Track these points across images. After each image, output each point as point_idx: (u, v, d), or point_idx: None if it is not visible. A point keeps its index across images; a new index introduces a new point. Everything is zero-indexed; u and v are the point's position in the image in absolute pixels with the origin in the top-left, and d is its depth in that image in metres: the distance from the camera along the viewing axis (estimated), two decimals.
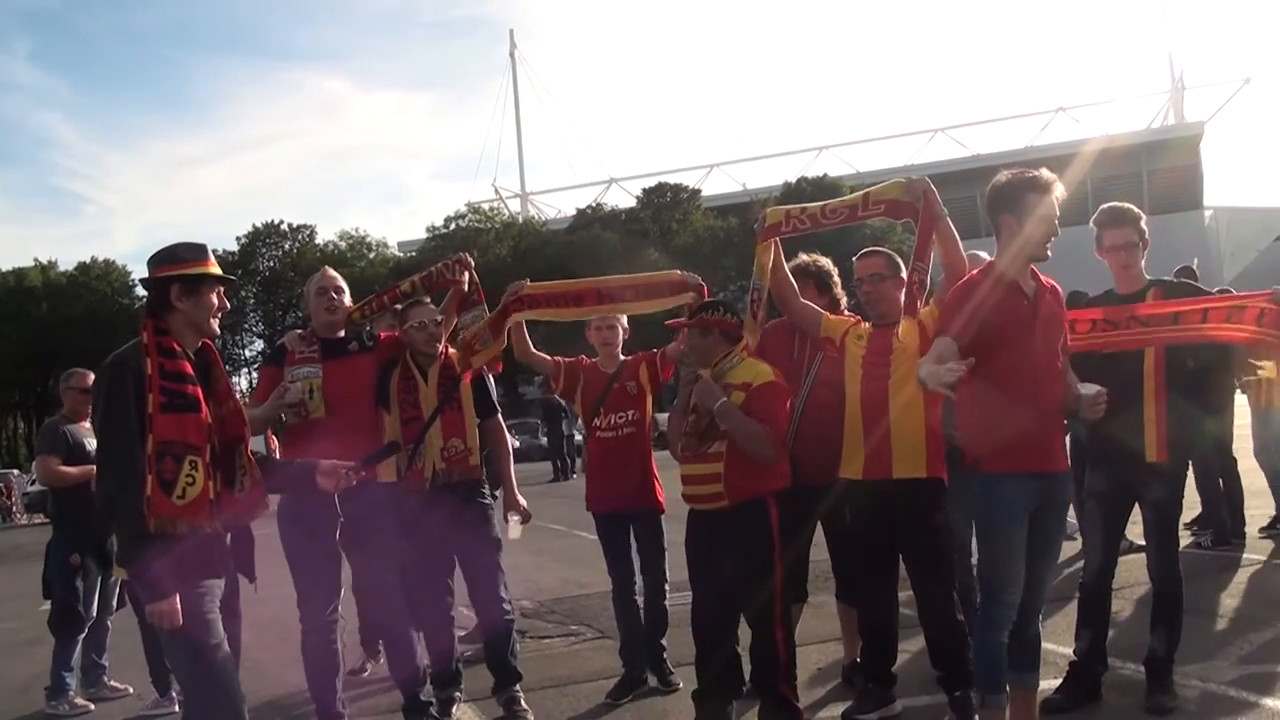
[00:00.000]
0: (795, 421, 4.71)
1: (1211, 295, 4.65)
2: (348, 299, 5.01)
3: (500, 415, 5.34)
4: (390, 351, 5.03)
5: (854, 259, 4.60)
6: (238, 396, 3.69)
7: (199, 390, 3.34)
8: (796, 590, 5.06)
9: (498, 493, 5.35)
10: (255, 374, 60.68)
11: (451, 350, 5.09)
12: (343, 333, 4.96)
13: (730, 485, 4.26)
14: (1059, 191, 3.76)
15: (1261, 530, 8.00)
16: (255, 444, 3.82)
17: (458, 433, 4.98)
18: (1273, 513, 8.06)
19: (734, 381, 4.29)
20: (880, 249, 4.68)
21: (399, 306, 5.14)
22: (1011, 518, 3.78)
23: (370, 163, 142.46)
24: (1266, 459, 8.09)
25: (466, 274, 5.17)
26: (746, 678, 4.55)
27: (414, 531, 4.89)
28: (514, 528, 5.12)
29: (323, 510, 4.53)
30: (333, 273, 5.09)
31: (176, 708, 5.70)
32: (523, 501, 5.18)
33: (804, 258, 4.98)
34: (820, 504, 4.67)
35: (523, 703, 4.99)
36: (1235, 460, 7.97)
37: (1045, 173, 3.82)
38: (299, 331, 5.04)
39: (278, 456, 6.11)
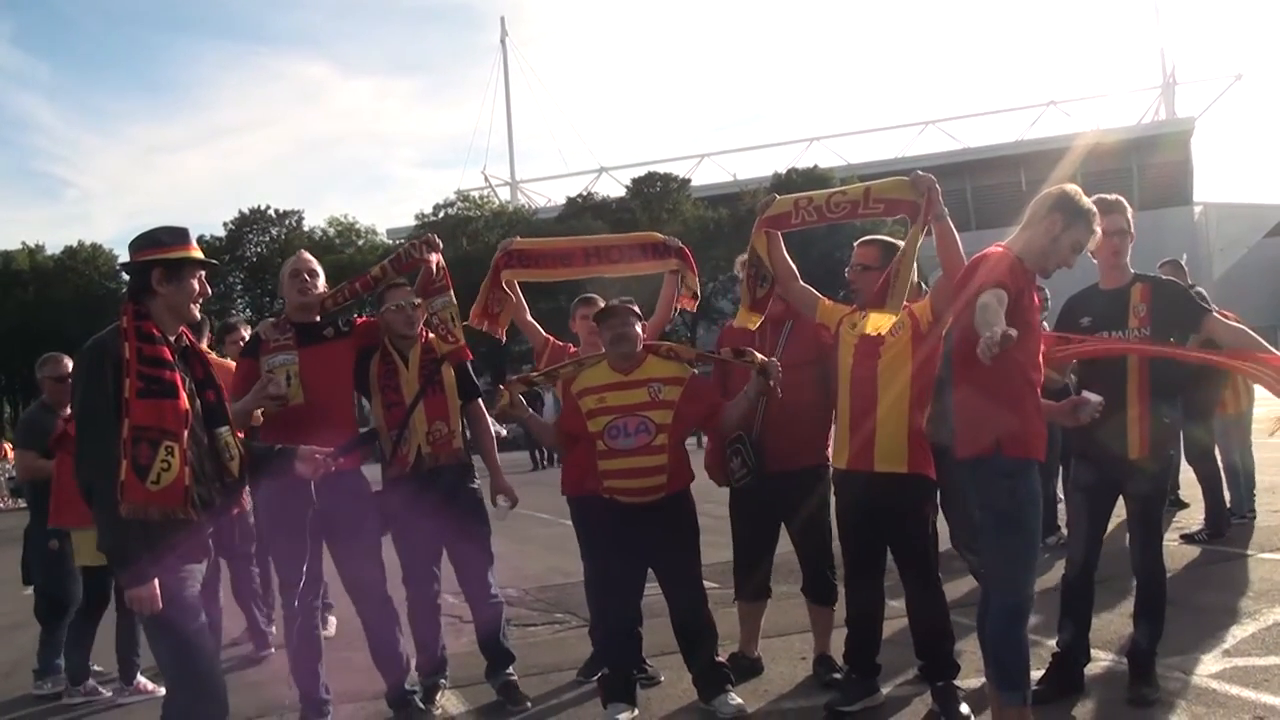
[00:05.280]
0: (761, 407, 4.75)
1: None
2: (322, 283, 4.93)
3: (481, 400, 5.28)
4: (367, 337, 4.96)
5: (855, 244, 4.64)
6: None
7: (177, 376, 3.30)
8: (758, 587, 5.08)
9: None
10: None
11: (431, 335, 5.04)
12: (317, 318, 4.90)
13: (672, 475, 4.56)
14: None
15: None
16: None
17: (441, 416, 4.92)
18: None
19: (660, 375, 4.63)
20: (880, 238, 4.66)
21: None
22: (1041, 504, 3.76)
23: (352, 149, 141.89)
24: (1227, 457, 8.24)
25: (434, 255, 5.08)
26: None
27: (400, 518, 4.84)
28: (501, 511, 5.07)
29: (298, 494, 4.47)
30: (308, 256, 5.03)
31: (141, 691, 5.69)
32: (508, 484, 5.13)
33: None
34: (786, 490, 4.78)
35: (519, 686, 4.98)
36: (1216, 462, 8.07)
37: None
38: (272, 320, 4.96)
39: None
